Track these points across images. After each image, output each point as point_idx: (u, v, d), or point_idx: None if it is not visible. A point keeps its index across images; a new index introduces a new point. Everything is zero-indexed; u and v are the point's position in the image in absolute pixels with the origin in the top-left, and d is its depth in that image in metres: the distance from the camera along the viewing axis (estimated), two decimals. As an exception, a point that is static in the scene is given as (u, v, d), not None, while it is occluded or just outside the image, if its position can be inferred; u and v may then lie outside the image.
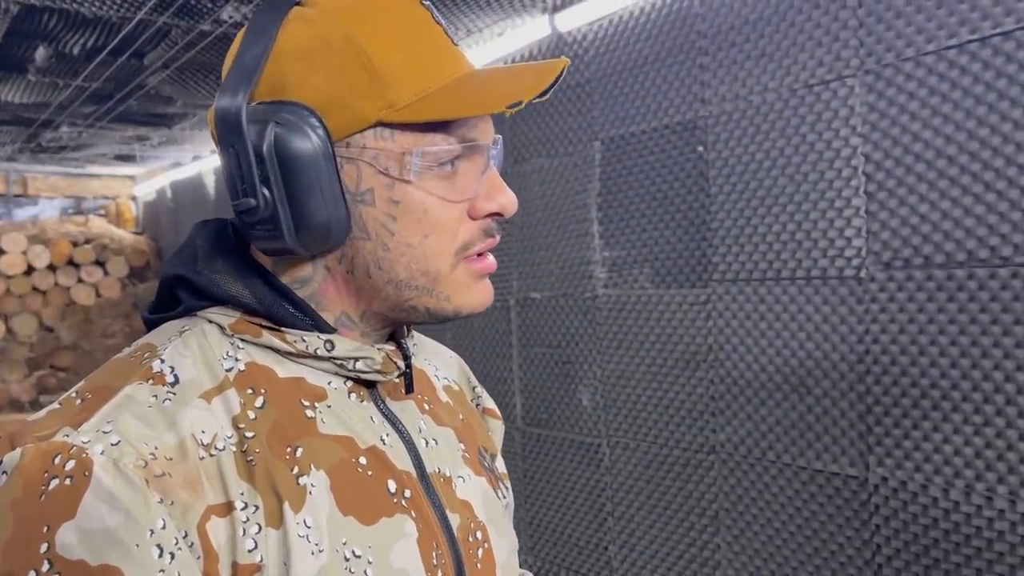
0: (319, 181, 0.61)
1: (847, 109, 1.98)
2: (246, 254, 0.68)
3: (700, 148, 2.34)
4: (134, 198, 6.82)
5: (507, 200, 0.66)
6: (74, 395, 0.61)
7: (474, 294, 0.67)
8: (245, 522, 0.57)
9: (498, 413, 0.90)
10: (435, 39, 0.65)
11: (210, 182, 5.37)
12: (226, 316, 0.65)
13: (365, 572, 0.61)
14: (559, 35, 2.78)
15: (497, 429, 0.88)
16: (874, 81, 1.92)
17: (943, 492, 1.82)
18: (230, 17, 2.62)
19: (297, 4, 0.64)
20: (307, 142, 0.60)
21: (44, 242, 5.79)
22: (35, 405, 5.56)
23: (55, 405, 0.60)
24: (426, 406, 0.75)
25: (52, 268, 5.81)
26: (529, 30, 2.85)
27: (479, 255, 0.67)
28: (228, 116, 0.60)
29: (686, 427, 2.41)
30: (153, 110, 3.90)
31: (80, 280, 5.92)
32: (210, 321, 0.65)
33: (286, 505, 0.59)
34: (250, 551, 0.57)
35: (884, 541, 1.93)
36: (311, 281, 0.67)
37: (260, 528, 0.58)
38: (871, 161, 1.94)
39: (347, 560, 0.60)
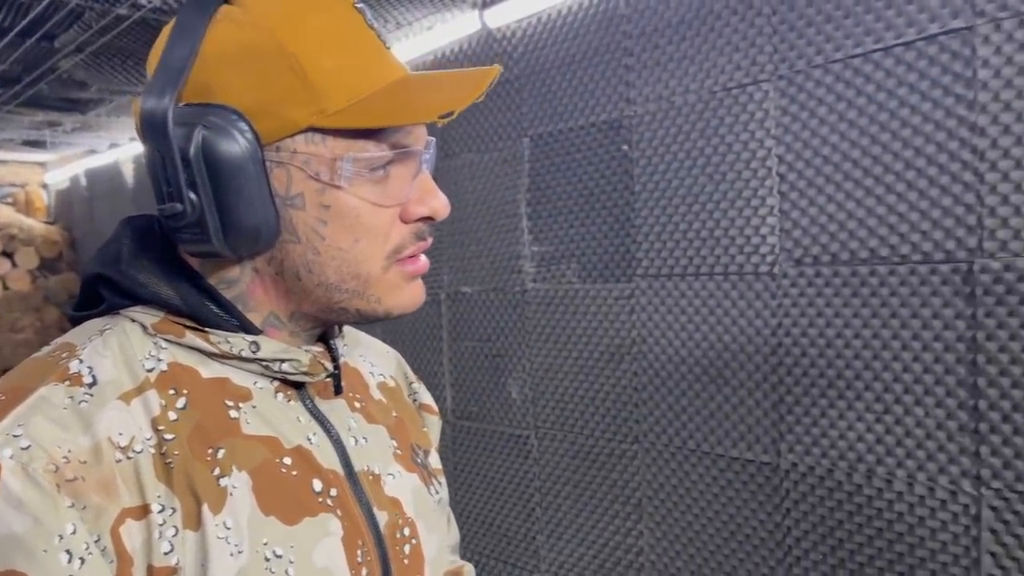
0: (247, 185, 0.60)
1: (762, 112, 2.07)
2: (172, 253, 0.67)
3: (625, 147, 2.41)
4: (45, 186, 6.57)
5: (439, 204, 0.67)
6: None
7: (405, 295, 0.68)
8: (161, 525, 0.57)
9: (435, 409, 0.90)
10: (368, 43, 0.64)
11: (128, 171, 5.22)
12: (149, 315, 0.64)
13: (286, 572, 0.61)
14: (488, 31, 2.81)
15: (433, 425, 0.88)
16: (787, 86, 2.02)
17: (847, 476, 1.93)
18: (149, 1, 2.57)
19: (226, 2, 0.63)
20: (235, 146, 0.59)
21: (-50, 232, 5.55)
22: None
23: None
24: (357, 404, 0.75)
25: (-42, 259, 5.57)
26: (458, 25, 2.87)
27: (411, 257, 0.67)
28: (154, 118, 0.60)
29: (611, 418, 2.49)
30: (66, 95, 3.77)
31: (-12, 272, 5.70)
32: (133, 320, 0.64)
33: (205, 507, 0.59)
34: (166, 553, 0.57)
35: (794, 523, 2.04)
36: (238, 282, 0.67)
37: (177, 531, 0.58)
38: (784, 163, 2.03)
39: (267, 560, 0.60)
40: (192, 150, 0.59)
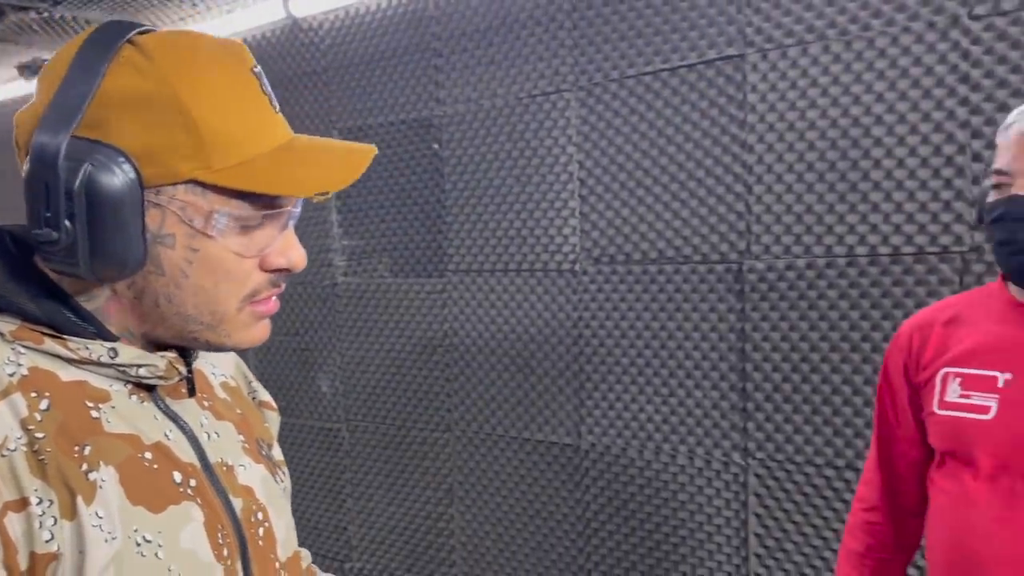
0: (122, 222, 0.64)
1: (564, 120, 2.22)
2: (28, 262, 0.69)
3: (436, 145, 2.48)
4: None
5: (297, 258, 0.72)
6: None
7: (253, 332, 0.74)
8: (41, 516, 0.62)
9: (274, 405, 0.95)
10: (259, 108, 0.69)
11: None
12: (6, 323, 0.67)
13: (156, 554, 0.67)
14: (294, 20, 2.77)
15: (273, 420, 0.94)
16: (586, 97, 2.18)
17: (639, 452, 2.15)
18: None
19: (129, 43, 0.65)
20: (117, 186, 0.63)
21: None
22: None
23: None
24: (205, 403, 0.80)
25: None
26: (260, 11, 2.80)
27: (264, 299, 0.73)
28: (45, 153, 0.63)
29: (423, 408, 2.57)
30: None
31: None
32: None
33: (79, 499, 0.63)
34: (47, 541, 0.61)
35: (592, 498, 2.24)
36: (96, 298, 0.70)
37: (56, 520, 0.62)
38: (584, 168, 2.20)
39: (139, 545, 0.66)
40: (77, 184, 0.63)
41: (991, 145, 1.63)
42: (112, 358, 0.68)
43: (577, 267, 2.23)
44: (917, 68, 1.72)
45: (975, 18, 1.65)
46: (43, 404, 0.65)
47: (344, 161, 0.71)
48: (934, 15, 1.69)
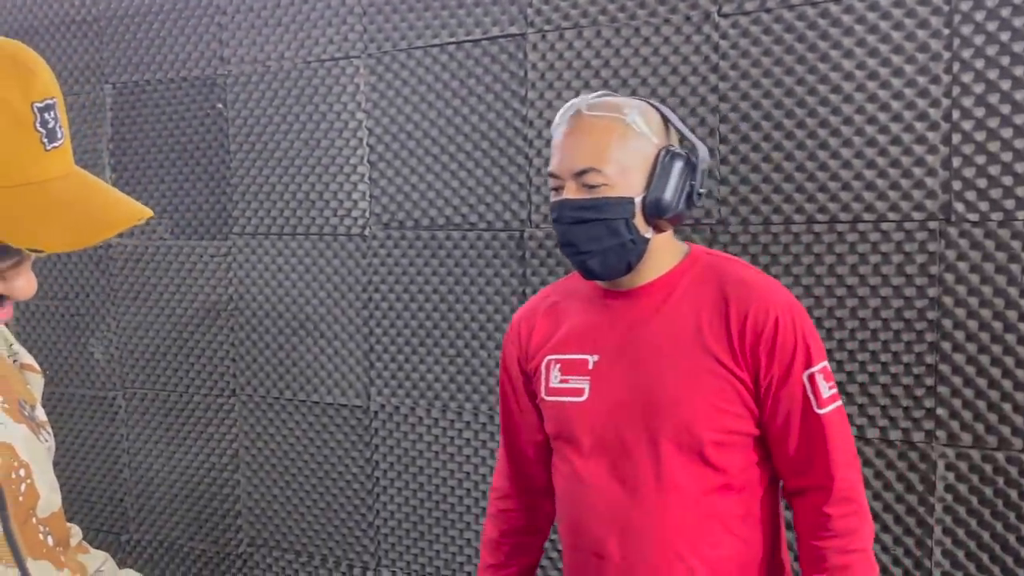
0: None
1: (353, 86, 2.24)
2: None
3: (220, 105, 2.41)
4: None
5: (21, 291, 0.76)
6: None
7: None
8: None
9: (37, 368, 0.97)
10: (23, 145, 0.69)
11: None
12: None
13: None
14: (59, -39, 2.56)
15: (35, 382, 0.96)
16: (375, 64, 2.21)
17: (426, 412, 2.24)
18: None
19: None
20: None
21: None
22: None
23: None
24: None
25: None
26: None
27: None
28: None
29: (207, 373, 2.51)
30: None
31: None
32: None
33: None
34: None
35: (382, 457, 2.31)
36: None
37: None
38: (374, 135, 2.23)
39: None
40: None
41: (737, 131, 1.86)
42: None
43: (367, 232, 2.27)
44: (676, 56, 1.91)
45: (724, 15, 1.86)
46: None
47: (88, 222, 0.72)
48: (690, 10, 1.89)
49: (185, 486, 2.59)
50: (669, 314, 1.21)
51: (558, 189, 1.20)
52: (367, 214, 2.26)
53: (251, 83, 2.36)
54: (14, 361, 0.93)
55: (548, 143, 2.06)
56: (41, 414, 0.92)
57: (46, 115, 0.70)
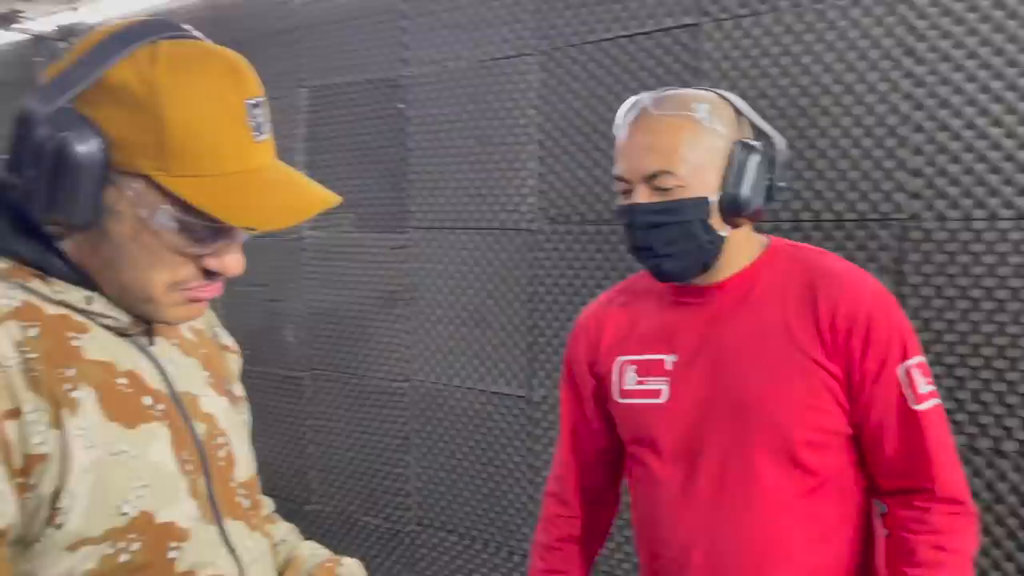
0: (79, 184, 0.74)
1: (526, 83, 2.28)
2: (25, 216, 0.78)
3: (401, 105, 2.54)
4: None
5: (231, 268, 0.81)
6: None
7: (180, 312, 0.83)
8: (33, 422, 0.73)
9: (235, 348, 1.06)
10: (234, 134, 0.77)
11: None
12: (1, 263, 0.78)
13: (129, 463, 0.78)
14: (266, -24, 2.79)
15: (234, 361, 1.05)
16: (547, 61, 2.25)
17: (588, 406, 2.25)
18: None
19: (152, 43, 0.74)
20: (82, 156, 0.73)
21: None
22: None
23: None
24: (173, 340, 0.91)
25: None
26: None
27: (195, 288, 0.81)
28: (32, 117, 0.73)
29: (383, 359, 2.65)
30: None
31: None
32: None
33: (64, 411, 0.74)
34: (38, 444, 0.72)
35: (543, 448, 2.34)
36: (66, 247, 0.81)
37: (46, 427, 0.73)
38: (543, 131, 2.27)
39: (114, 454, 0.77)
40: (50, 144, 0.73)
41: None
42: (87, 305, 0.79)
43: (534, 226, 2.31)
44: (864, 40, 1.79)
45: (912, -5, 1.73)
46: (32, 332, 0.76)
47: (291, 205, 0.79)
48: (875, -9, 1.77)
49: (361, 464, 2.75)
50: (752, 309, 1.15)
51: (627, 192, 1.15)
52: (535, 209, 2.30)
53: (429, 83, 2.47)
54: (216, 341, 1.03)
55: (719, 136, 2.00)
56: (239, 390, 1.01)
57: (255, 111, 0.78)
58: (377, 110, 2.59)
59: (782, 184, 1.16)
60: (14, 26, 3.32)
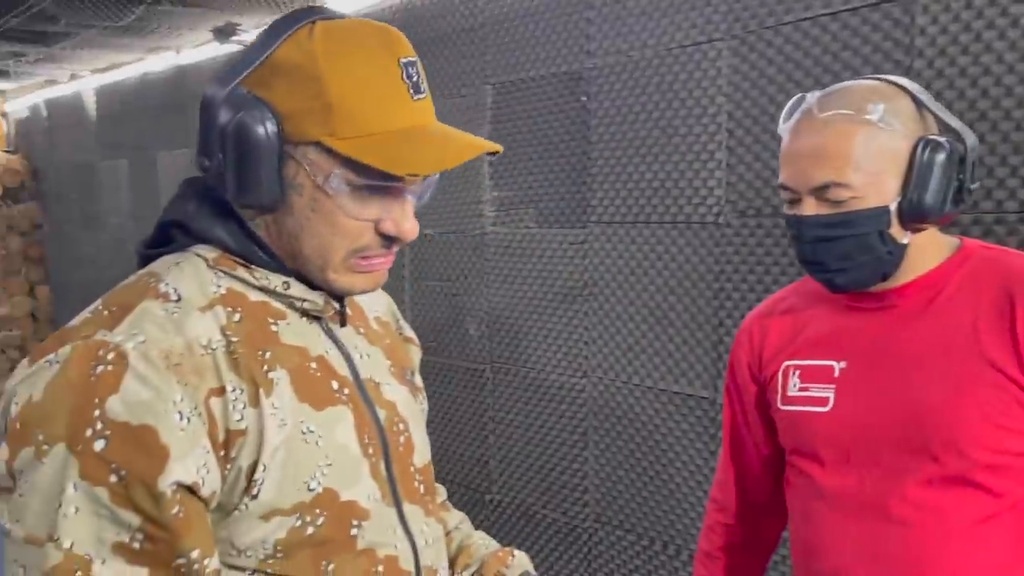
0: (261, 164, 0.79)
1: (715, 70, 2.18)
2: (227, 207, 0.85)
3: (584, 98, 2.51)
4: (4, 115, 6.44)
5: (407, 230, 0.84)
6: (101, 307, 0.80)
7: (356, 282, 0.86)
8: (234, 401, 0.78)
9: (416, 341, 1.11)
10: (393, 93, 0.80)
11: (90, 102, 5.17)
12: (210, 252, 0.84)
13: (316, 443, 0.83)
14: (455, -23, 2.86)
15: (415, 353, 1.10)
16: (739, 46, 2.13)
17: (777, 411, 2.11)
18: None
19: (311, 23, 0.80)
20: (260, 134, 0.78)
21: (-96, 158, 5.44)
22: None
23: (87, 315, 0.80)
24: (360, 330, 0.96)
25: (-86, 186, 5.47)
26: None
27: (373, 256, 0.85)
28: (213, 101, 0.80)
29: (562, 354, 2.64)
30: (33, 28, 3.73)
31: (-54, 200, 5.62)
32: (198, 255, 0.84)
33: (261, 391, 0.80)
34: (238, 421, 0.78)
35: (727, 453, 2.23)
36: (259, 227, 0.86)
37: (245, 405, 0.79)
38: (733, 119, 2.16)
39: (304, 433, 0.82)
40: (230, 128, 0.79)
41: None
42: (285, 289, 0.85)
43: (721, 219, 2.20)
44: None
45: None
46: (236, 317, 0.82)
47: (453, 151, 0.82)
48: None
49: (540, 457, 2.75)
50: (936, 316, 1.04)
51: (794, 202, 1.05)
52: (722, 201, 2.19)
53: (613, 74, 2.42)
54: (400, 334, 1.08)
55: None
56: (418, 381, 1.06)
57: (410, 70, 0.81)
58: (560, 104, 2.58)
59: (973, 186, 1.03)
60: (232, 39, 3.60)
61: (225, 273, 0.84)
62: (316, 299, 0.87)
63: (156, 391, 0.73)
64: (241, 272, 0.84)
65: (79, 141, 5.30)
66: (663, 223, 2.33)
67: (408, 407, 0.97)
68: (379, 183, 0.81)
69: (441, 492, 1.13)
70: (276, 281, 0.85)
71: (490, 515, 2.94)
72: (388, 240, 0.84)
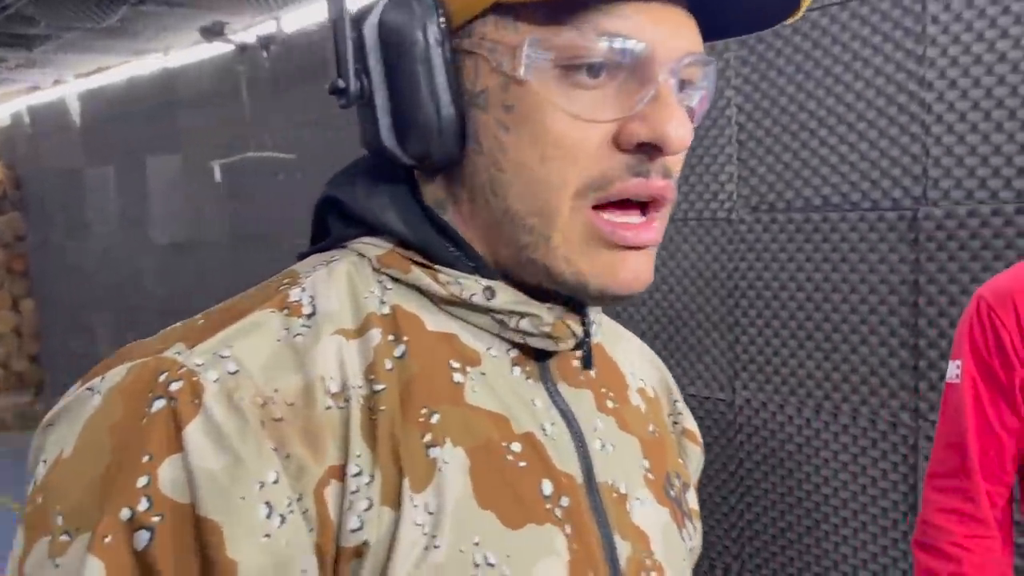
0: (428, 73, 0.49)
1: (723, 62, 2.12)
2: (409, 183, 0.55)
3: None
4: (-15, 123, 6.33)
5: (671, 130, 0.48)
6: (201, 314, 0.51)
7: (605, 266, 0.50)
8: (354, 492, 0.46)
9: (699, 439, 0.71)
10: None
11: (75, 107, 5.07)
12: (376, 247, 0.54)
13: None
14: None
15: (695, 456, 0.70)
16: (748, 37, 2.07)
17: (797, 410, 2.06)
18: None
19: None
20: (418, 25, 0.49)
21: None
22: None
23: (176, 324, 0.51)
24: (609, 404, 0.59)
25: None
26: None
27: (618, 208, 0.50)
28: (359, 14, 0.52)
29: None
30: (12, 30, 3.64)
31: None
32: (360, 254, 0.54)
33: (406, 481, 0.47)
34: (355, 530, 0.45)
35: (747, 455, 2.18)
36: (445, 210, 0.54)
37: (371, 504, 0.46)
38: (743, 112, 2.10)
39: (476, 566, 0.47)
40: (367, 26, 0.50)
41: None
42: (488, 299, 0.52)
43: (733, 215, 2.15)
44: None
45: None
46: (398, 351, 0.50)
47: None
48: None
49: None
50: None
51: None
52: (734, 197, 2.14)
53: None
54: (674, 423, 0.70)
55: (950, 107, 1.77)
56: (692, 500, 0.68)
57: None
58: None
59: None
60: (219, 38, 3.53)
61: (395, 280, 0.53)
62: (539, 311, 0.52)
63: (235, 459, 0.43)
64: (417, 275, 0.52)
65: (64, 148, 5.20)
66: (674, 220, 2.28)
67: (668, 545, 0.58)
68: (615, 43, 0.47)
69: None
70: (473, 287, 0.52)
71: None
72: (639, 162, 0.49)
